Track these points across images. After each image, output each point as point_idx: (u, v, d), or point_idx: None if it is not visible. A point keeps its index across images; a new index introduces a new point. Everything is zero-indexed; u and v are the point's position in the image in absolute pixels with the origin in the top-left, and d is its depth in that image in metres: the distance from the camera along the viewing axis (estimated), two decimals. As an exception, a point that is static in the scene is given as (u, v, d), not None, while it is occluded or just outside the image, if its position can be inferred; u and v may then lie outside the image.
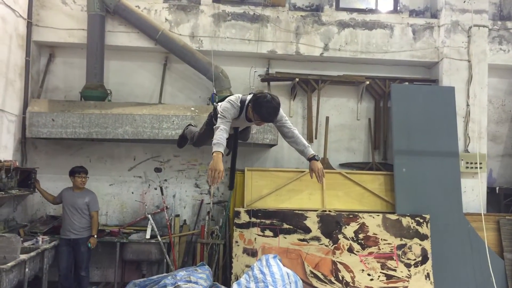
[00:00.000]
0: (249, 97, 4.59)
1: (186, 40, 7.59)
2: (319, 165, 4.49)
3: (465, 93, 7.82)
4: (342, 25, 7.93)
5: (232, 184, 5.73)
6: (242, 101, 4.57)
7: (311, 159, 4.51)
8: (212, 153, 4.11)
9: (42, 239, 6.38)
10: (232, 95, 4.78)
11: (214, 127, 4.45)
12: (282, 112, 4.59)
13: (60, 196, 6.82)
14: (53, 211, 7.55)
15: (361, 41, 7.92)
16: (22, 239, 5.86)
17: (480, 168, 7.59)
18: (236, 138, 5.05)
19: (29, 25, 7.32)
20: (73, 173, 6.75)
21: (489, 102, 8.15)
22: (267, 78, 7.86)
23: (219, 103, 4.84)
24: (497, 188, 8.04)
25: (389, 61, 8.05)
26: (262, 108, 4.34)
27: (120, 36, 7.60)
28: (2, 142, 6.70)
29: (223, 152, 4.14)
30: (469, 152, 7.70)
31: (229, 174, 5.25)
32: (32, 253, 5.74)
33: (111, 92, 7.59)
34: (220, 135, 4.25)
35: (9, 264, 5.15)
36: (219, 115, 4.48)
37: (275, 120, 4.58)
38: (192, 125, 6.27)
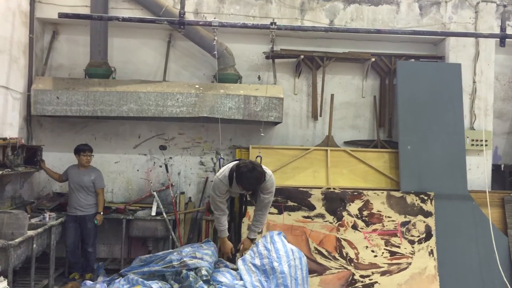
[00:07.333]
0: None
1: (190, 17, 7.51)
2: (247, 245, 5.56)
3: (472, 70, 7.74)
4: (348, 0, 7.81)
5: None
6: (231, 173, 5.04)
7: (249, 238, 5.59)
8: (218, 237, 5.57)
9: (49, 215, 6.43)
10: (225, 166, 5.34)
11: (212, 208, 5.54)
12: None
13: (65, 173, 6.86)
14: (59, 188, 7.61)
15: (367, 17, 7.82)
16: (29, 215, 5.92)
17: (486, 145, 7.57)
18: (243, 203, 6.19)
19: (32, 2, 7.24)
20: (78, 151, 6.79)
21: (495, 79, 8.06)
22: (271, 55, 7.80)
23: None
24: (502, 166, 8.03)
25: (395, 38, 7.93)
26: (243, 179, 4.88)
27: (123, 12, 7.50)
28: (8, 119, 6.71)
29: (224, 237, 5.48)
30: (474, 130, 7.66)
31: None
32: (40, 230, 5.81)
33: (115, 70, 7.55)
34: (217, 223, 5.43)
35: (17, 240, 5.22)
36: (211, 193, 5.31)
37: (261, 188, 5.16)
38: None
